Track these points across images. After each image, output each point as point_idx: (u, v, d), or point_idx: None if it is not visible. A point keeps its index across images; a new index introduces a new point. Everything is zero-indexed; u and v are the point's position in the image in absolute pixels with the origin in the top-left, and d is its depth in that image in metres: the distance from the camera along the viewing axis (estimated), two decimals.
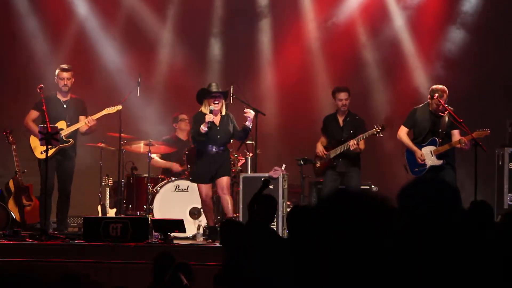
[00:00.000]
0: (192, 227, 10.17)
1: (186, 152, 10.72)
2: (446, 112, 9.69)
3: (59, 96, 10.30)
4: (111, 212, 10.74)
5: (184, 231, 9.40)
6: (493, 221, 6.27)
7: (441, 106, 9.66)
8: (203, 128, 9.43)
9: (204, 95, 9.59)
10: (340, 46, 12.83)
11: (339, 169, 10.15)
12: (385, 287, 2.15)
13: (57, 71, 10.30)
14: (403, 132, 9.97)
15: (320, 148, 10.28)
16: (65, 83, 10.20)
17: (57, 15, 12.77)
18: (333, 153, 10.15)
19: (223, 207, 9.64)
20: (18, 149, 10.66)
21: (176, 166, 11.15)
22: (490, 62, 12.29)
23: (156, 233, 9.20)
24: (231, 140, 9.97)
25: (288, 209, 9.42)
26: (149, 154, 10.80)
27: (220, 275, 5.30)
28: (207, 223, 9.85)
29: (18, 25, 12.74)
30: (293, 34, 12.99)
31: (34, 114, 10.27)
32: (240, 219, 9.54)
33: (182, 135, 11.64)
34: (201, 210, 10.15)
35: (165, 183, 10.58)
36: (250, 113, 9.55)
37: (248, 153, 10.69)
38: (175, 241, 9.12)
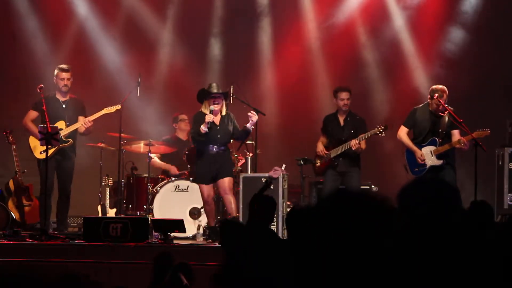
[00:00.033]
0: (192, 227, 10.17)
1: (186, 152, 10.72)
2: (446, 112, 9.69)
3: (58, 96, 10.30)
4: (111, 212, 10.74)
5: (184, 231, 9.40)
6: (493, 221, 6.28)
7: (441, 106, 9.67)
8: (203, 128, 9.43)
9: (204, 95, 9.59)
10: (340, 46, 12.83)
11: (339, 168, 10.15)
12: (385, 287, 2.15)
13: (56, 71, 10.29)
14: (403, 132, 9.97)
15: (320, 148, 10.29)
16: (65, 83, 10.20)
17: (57, 15, 12.77)
18: (334, 153, 10.16)
19: (226, 207, 9.64)
20: (18, 149, 10.66)
21: (173, 169, 11.13)
22: (490, 62, 12.29)
23: (156, 233, 9.19)
24: (231, 140, 9.97)
25: (288, 209, 9.42)
26: (149, 154, 10.80)
27: (218, 275, 5.30)
28: (208, 223, 9.84)
29: (18, 25, 12.74)
30: (293, 34, 13.00)
31: (33, 114, 10.26)
32: (240, 219, 9.53)
33: (182, 135, 11.64)
34: (201, 210, 10.15)
35: (165, 183, 10.58)
36: (254, 116, 9.54)
37: (248, 153, 10.69)
38: (175, 241, 9.12)
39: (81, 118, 10.25)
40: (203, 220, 10.16)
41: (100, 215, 10.60)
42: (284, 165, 9.94)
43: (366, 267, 2.12)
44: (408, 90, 12.53)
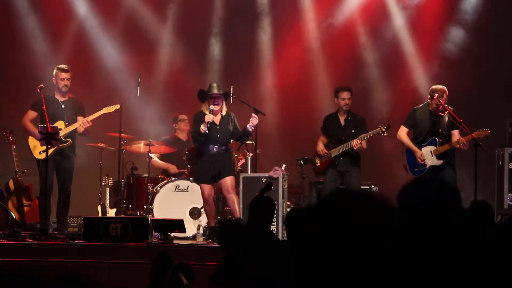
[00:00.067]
0: (192, 227, 10.17)
1: (186, 152, 10.72)
2: (446, 112, 9.69)
3: (57, 96, 10.29)
4: (111, 212, 10.74)
5: (184, 231, 9.40)
6: (493, 221, 6.27)
7: (441, 106, 9.67)
8: (203, 128, 9.43)
9: (204, 95, 9.59)
10: (340, 46, 12.83)
11: (340, 168, 10.15)
12: (385, 287, 2.15)
13: (55, 72, 10.28)
14: (403, 132, 9.97)
15: (321, 147, 10.29)
16: (65, 83, 10.19)
17: (57, 15, 12.77)
18: (334, 152, 10.15)
19: (230, 206, 9.65)
20: (18, 149, 10.66)
21: (173, 168, 11.14)
22: (490, 62, 12.29)
23: (156, 233, 9.19)
24: (231, 140, 9.97)
25: (288, 209, 9.42)
26: (149, 154, 10.80)
27: (216, 275, 5.30)
28: (208, 223, 9.84)
29: (18, 25, 12.74)
30: (293, 34, 13.00)
31: (31, 114, 10.26)
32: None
33: (182, 135, 11.64)
34: (201, 210, 10.15)
35: (165, 183, 10.58)
36: (256, 119, 9.53)
37: (248, 153, 10.69)
38: (175, 241, 9.12)
39: (80, 118, 10.24)
40: (203, 220, 10.16)
41: (100, 215, 10.60)
42: (284, 165, 9.95)
43: (366, 267, 2.12)
44: (408, 90, 12.53)
